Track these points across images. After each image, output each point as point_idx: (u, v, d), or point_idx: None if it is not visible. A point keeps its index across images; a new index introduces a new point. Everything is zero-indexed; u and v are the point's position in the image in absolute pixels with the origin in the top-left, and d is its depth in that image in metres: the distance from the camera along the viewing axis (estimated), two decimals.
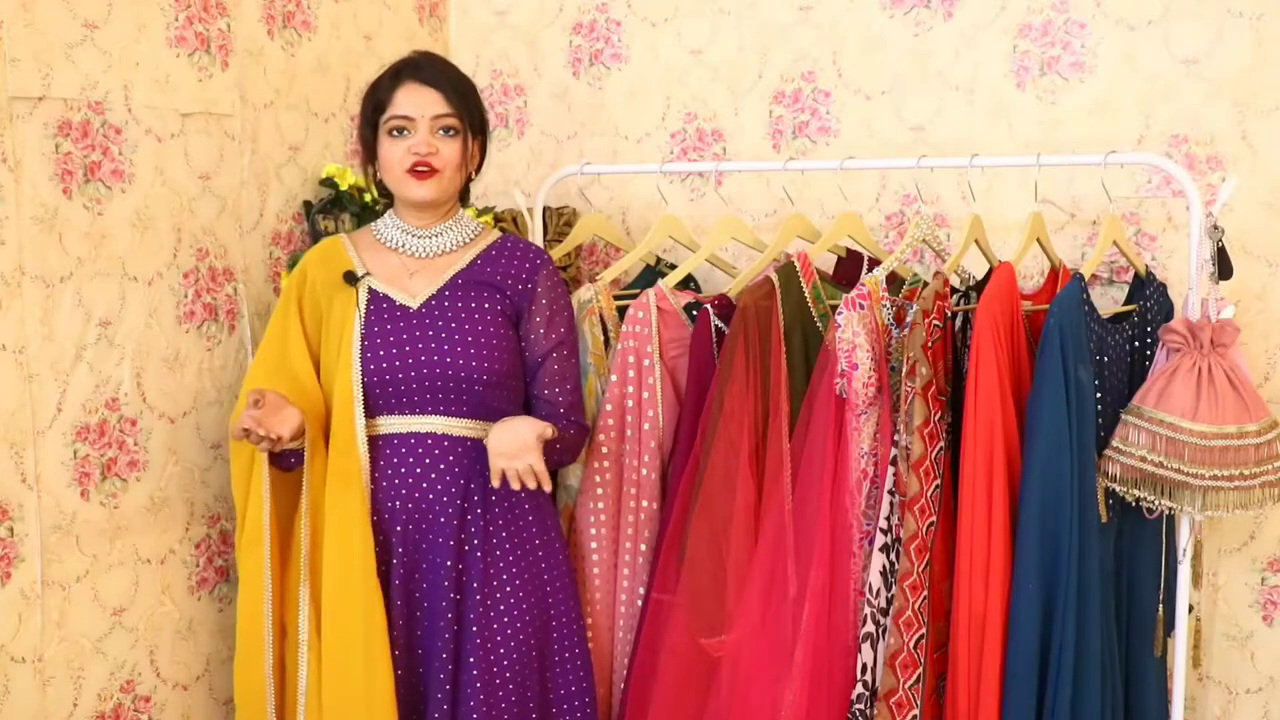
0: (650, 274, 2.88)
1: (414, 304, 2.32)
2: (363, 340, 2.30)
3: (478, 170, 2.41)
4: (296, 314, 2.35)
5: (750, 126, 3.12)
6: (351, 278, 2.33)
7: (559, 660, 2.37)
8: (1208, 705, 2.85)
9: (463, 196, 2.43)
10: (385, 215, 2.42)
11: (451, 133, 2.31)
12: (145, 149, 2.35)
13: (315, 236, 2.70)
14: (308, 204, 2.75)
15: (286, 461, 2.29)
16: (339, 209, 2.76)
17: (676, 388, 2.56)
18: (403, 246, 2.37)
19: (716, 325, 2.52)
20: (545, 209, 2.95)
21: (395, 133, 2.30)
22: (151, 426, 2.39)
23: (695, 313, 2.56)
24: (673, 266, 2.79)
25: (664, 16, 3.18)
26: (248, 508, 2.29)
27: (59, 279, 2.20)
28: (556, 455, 2.33)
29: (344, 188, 2.75)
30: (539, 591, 2.34)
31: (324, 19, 2.82)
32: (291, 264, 2.67)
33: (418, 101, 2.29)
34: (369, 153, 2.37)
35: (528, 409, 2.38)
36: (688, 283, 2.83)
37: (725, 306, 2.53)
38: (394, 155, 2.30)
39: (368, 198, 2.79)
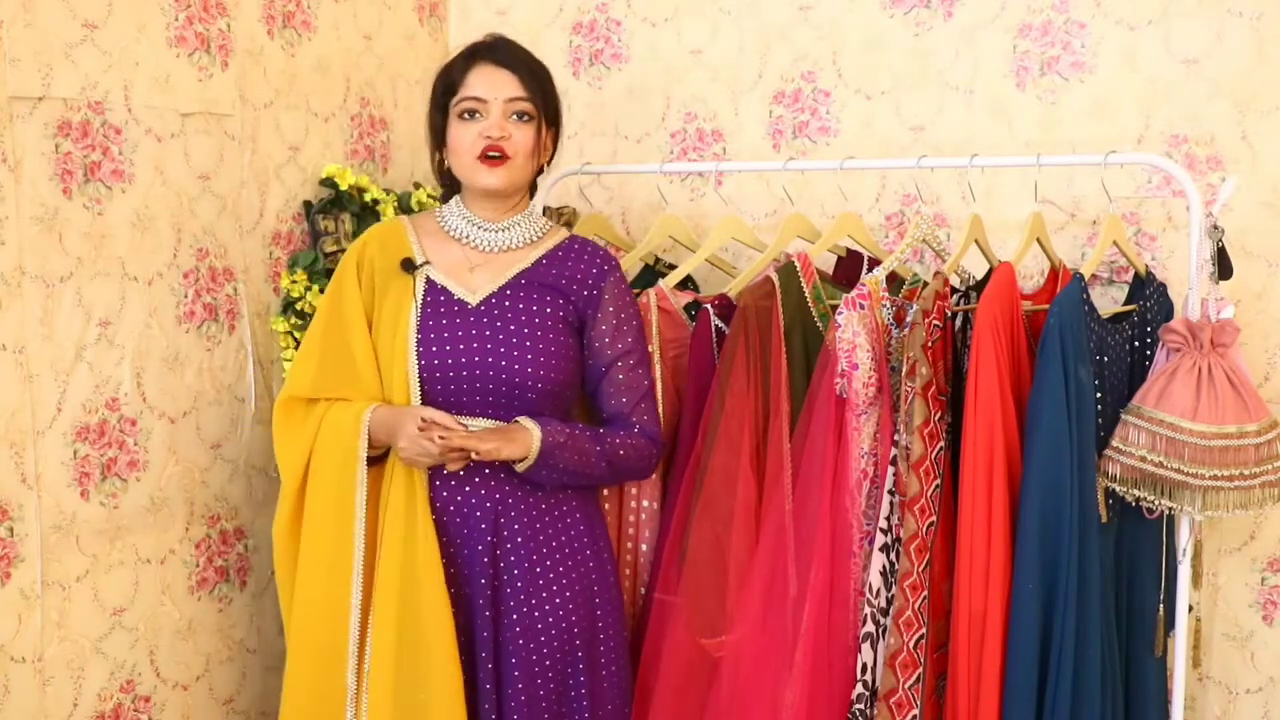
0: (650, 274, 2.88)
1: (473, 300, 2.25)
2: (418, 334, 2.23)
3: (549, 162, 2.34)
4: (356, 290, 2.27)
5: (750, 126, 3.12)
6: (410, 265, 2.25)
7: (598, 675, 2.30)
8: (1208, 705, 2.85)
9: (530, 189, 2.36)
10: (451, 202, 2.34)
11: (525, 118, 2.24)
12: (145, 149, 2.35)
13: (315, 236, 2.70)
14: (308, 204, 2.75)
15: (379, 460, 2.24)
16: (339, 209, 2.76)
17: (677, 388, 2.56)
18: (467, 238, 2.29)
19: (717, 325, 2.51)
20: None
21: (466, 115, 2.23)
22: (151, 426, 2.39)
23: (695, 313, 2.56)
24: (673, 266, 2.79)
25: (664, 16, 3.17)
26: (328, 525, 2.21)
27: (59, 279, 2.20)
28: (578, 459, 2.21)
29: (344, 188, 2.75)
30: (588, 603, 2.28)
31: (324, 19, 2.82)
32: (291, 264, 2.67)
33: (491, 83, 2.22)
34: (437, 138, 2.29)
35: (572, 417, 2.33)
36: (688, 282, 2.83)
37: (725, 306, 2.53)
38: (465, 139, 2.23)
39: (368, 198, 2.79)
